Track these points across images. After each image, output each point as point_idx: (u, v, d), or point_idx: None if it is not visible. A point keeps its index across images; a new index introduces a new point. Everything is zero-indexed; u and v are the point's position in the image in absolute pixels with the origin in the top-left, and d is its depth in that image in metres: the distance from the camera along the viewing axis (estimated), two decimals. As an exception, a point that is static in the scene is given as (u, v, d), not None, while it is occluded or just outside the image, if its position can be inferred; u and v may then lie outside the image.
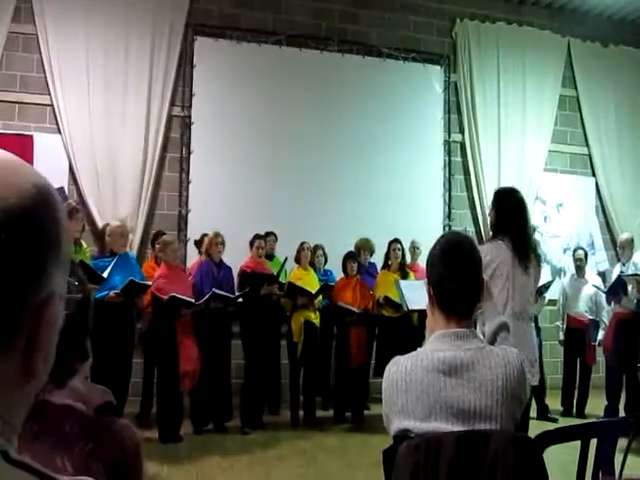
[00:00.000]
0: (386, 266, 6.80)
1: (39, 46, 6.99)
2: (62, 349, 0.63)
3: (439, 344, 1.79)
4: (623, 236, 6.72)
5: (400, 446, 1.70)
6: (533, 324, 3.81)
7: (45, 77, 6.94)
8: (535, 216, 8.62)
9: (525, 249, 3.56)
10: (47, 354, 0.58)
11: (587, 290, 6.92)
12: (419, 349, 1.86)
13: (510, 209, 3.59)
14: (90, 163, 7.00)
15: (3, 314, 0.52)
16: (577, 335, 6.90)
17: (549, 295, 6.95)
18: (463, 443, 1.64)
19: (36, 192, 0.54)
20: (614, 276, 6.43)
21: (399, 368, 1.78)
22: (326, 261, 6.98)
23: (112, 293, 5.46)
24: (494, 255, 3.48)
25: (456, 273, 1.81)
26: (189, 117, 7.51)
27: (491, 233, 3.75)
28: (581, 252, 7.11)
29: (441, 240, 1.92)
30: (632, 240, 6.52)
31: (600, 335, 6.75)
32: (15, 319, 0.53)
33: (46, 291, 0.55)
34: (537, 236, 8.64)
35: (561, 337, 7.12)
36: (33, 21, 7.04)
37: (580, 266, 7.05)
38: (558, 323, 7.19)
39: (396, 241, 6.80)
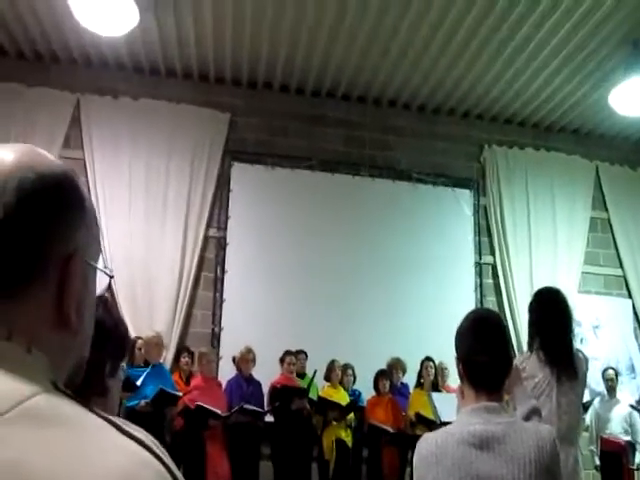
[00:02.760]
0: (419, 385, 7.06)
1: (86, 170, 7.74)
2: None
3: (470, 418, 1.83)
4: None
5: None
6: (579, 450, 3.51)
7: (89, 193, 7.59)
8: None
9: (570, 357, 3.32)
10: (80, 309, 0.66)
11: (620, 411, 7.02)
12: (449, 425, 1.91)
13: (554, 309, 3.37)
14: (128, 279, 7.47)
15: (33, 253, 0.62)
16: (613, 459, 6.85)
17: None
18: None
19: (65, 168, 0.68)
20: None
21: (429, 442, 1.83)
22: (355, 381, 7.21)
23: (143, 402, 5.75)
24: (532, 368, 3.30)
25: (486, 346, 1.89)
26: (224, 238, 8.04)
27: (527, 345, 3.54)
28: (611, 372, 7.27)
29: (470, 315, 2.02)
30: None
31: (638, 458, 6.78)
32: (42, 260, 0.63)
33: (71, 245, 0.65)
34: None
35: (597, 462, 7.08)
36: (82, 147, 7.86)
37: (612, 386, 7.18)
38: (592, 447, 7.18)
39: (428, 359, 7.12)
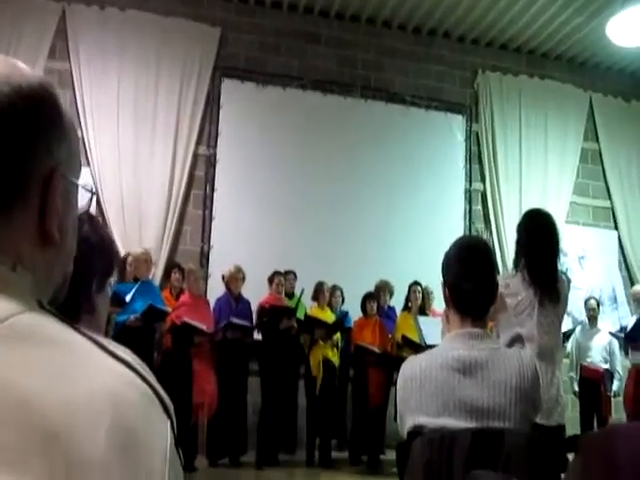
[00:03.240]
0: (406, 308, 7.19)
1: (73, 83, 7.58)
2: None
3: (454, 343, 1.88)
4: (637, 288, 7.09)
5: (414, 441, 1.77)
6: (559, 368, 3.59)
7: (77, 112, 7.46)
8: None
9: (554, 279, 3.36)
10: (62, 226, 0.65)
11: (600, 340, 7.22)
12: (433, 349, 1.98)
13: (542, 231, 3.40)
14: (116, 196, 7.47)
15: (13, 171, 0.60)
16: (592, 387, 7.11)
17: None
18: (477, 439, 1.71)
19: (42, 80, 0.64)
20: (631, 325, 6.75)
21: (414, 365, 1.88)
22: (343, 302, 7.32)
23: (132, 317, 5.80)
24: (516, 287, 3.33)
25: (472, 273, 1.92)
26: (214, 156, 7.99)
27: (512, 263, 3.57)
28: (593, 302, 7.46)
29: (457, 242, 2.05)
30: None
31: (615, 386, 7.00)
32: (23, 178, 0.61)
33: (52, 161, 0.63)
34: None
35: (576, 388, 7.33)
36: (68, 58, 7.66)
37: (593, 316, 7.38)
38: (572, 374, 7.42)
39: (416, 284, 7.23)
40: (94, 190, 0.85)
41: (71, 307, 0.88)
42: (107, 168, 7.50)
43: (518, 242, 3.51)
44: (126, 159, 7.59)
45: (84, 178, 0.74)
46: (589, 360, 7.25)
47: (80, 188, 0.72)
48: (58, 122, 0.64)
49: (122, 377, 0.55)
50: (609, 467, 0.78)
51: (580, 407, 7.32)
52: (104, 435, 0.50)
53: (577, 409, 7.49)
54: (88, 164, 7.33)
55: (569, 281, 3.55)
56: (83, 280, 1.38)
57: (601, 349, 7.23)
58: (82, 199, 0.77)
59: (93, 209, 7.20)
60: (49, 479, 0.47)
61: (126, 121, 7.65)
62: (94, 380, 0.52)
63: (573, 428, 7.31)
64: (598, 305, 7.51)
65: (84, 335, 0.57)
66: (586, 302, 7.60)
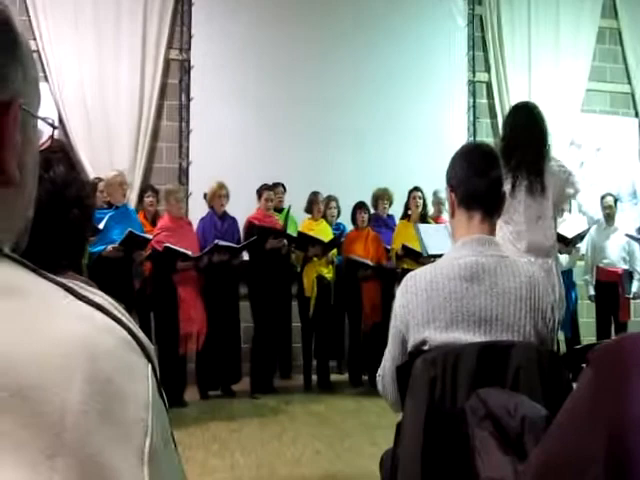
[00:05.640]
0: (406, 217, 6.92)
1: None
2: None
3: (460, 251, 1.87)
4: None
5: (416, 361, 1.75)
6: (558, 262, 3.73)
7: (29, 19, 7.02)
8: (570, 163, 8.69)
9: (539, 172, 3.50)
10: (21, 163, 0.62)
11: (618, 239, 7.02)
12: (438, 260, 1.95)
13: (526, 120, 3.56)
14: (81, 113, 7.11)
15: None
16: (609, 289, 6.98)
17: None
18: (483, 356, 1.69)
19: None
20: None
21: (418, 279, 1.86)
22: (339, 214, 7.13)
23: (110, 247, 5.62)
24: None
25: (479, 169, 1.92)
26: (188, 61, 7.59)
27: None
28: (610, 199, 7.21)
29: (463, 146, 2.11)
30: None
31: (635, 287, 6.86)
32: None
33: (7, 92, 0.60)
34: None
35: (591, 292, 7.20)
36: (14, -44, 7.17)
37: (609, 214, 7.15)
38: (587, 277, 7.28)
39: (416, 189, 6.89)
40: (55, 124, 0.77)
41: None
42: (68, 82, 7.09)
43: (504, 140, 3.67)
44: (89, 70, 7.18)
45: (43, 96, 0.69)
46: (606, 261, 7.09)
47: (40, 121, 0.68)
48: (12, 46, 0.61)
49: (96, 323, 0.55)
50: (623, 389, 0.73)
51: (596, 311, 7.22)
52: (80, 387, 0.50)
53: (594, 315, 7.38)
54: (46, 79, 6.95)
55: (568, 174, 3.68)
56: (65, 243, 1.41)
57: (619, 249, 7.05)
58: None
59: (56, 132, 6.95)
60: (22, 437, 0.46)
61: (86, 24, 7.19)
62: (66, 330, 0.53)
63: (589, 334, 7.30)
64: (615, 202, 7.24)
65: (52, 281, 0.57)
66: (602, 199, 7.34)
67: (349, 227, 7.06)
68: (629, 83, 9.09)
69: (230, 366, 6.22)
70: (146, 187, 6.88)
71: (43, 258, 0.72)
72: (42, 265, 0.60)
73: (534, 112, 3.61)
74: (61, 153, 1.49)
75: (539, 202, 3.49)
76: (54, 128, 0.76)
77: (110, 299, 0.59)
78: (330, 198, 7.03)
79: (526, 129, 3.52)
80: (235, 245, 6.25)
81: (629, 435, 0.70)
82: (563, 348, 6.61)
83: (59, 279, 0.57)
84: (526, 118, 3.57)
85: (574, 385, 0.86)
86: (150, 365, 0.57)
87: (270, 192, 6.62)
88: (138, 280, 6.09)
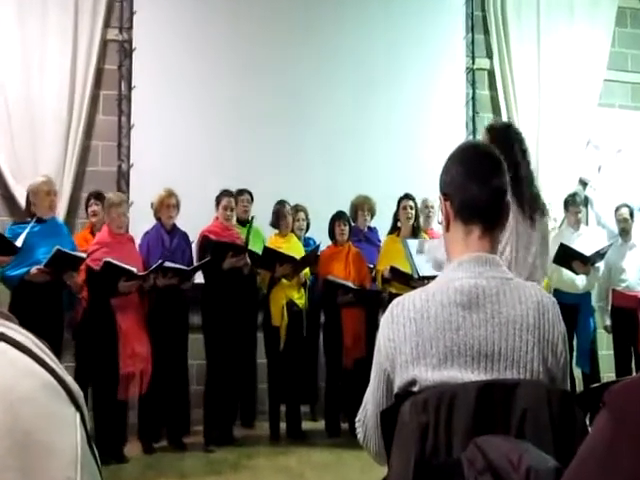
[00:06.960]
0: (395, 230, 6.88)
1: None
2: None
3: (456, 272, 1.84)
4: None
5: (404, 404, 1.73)
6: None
7: None
8: (586, 166, 8.71)
9: (534, 197, 3.70)
10: None
11: (636, 258, 7.07)
12: (431, 283, 1.92)
13: (512, 144, 3.70)
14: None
15: None
16: (627, 316, 7.01)
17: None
18: (483, 397, 1.67)
19: None
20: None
21: (406, 307, 1.83)
22: (308, 228, 7.19)
23: (34, 269, 5.56)
24: None
25: (478, 174, 1.89)
26: (129, 42, 7.60)
27: None
28: (625, 210, 7.26)
29: (458, 146, 2.05)
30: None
31: (658, 315, 6.91)
32: None
33: None
34: (589, 192, 8.74)
35: (607, 322, 7.29)
36: None
37: (625, 228, 7.21)
38: (601, 304, 7.35)
39: (407, 197, 6.87)
40: None
41: None
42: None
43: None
44: (8, 52, 7.14)
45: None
46: (623, 285, 7.13)
47: None
48: None
49: (16, 366, 0.56)
50: None
51: (614, 343, 7.30)
52: None
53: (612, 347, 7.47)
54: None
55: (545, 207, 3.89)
56: None
57: (638, 270, 7.08)
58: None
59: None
60: None
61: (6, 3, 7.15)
62: None
63: (608, 369, 7.27)
64: (632, 214, 7.28)
65: None
66: (616, 211, 7.42)
67: (321, 242, 7.01)
68: (655, 72, 9.32)
69: (178, 412, 6.21)
70: (91, 195, 6.82)
71: None
72: None
73: (517, 132, 3.92)
74: None
75: (534, 230, 3.70)
76: None
77: (32, 336, 0.60)
78: (298, 208, 7.07)
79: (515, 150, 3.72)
80: (185, 267, 6.17)
81: None
82: (580, 387, 6.58)
83: None
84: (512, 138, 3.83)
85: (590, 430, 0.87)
86: (79, 413, 0.59)
87: (230, 199, 6.60)
88: (70, 310, 6.09)
